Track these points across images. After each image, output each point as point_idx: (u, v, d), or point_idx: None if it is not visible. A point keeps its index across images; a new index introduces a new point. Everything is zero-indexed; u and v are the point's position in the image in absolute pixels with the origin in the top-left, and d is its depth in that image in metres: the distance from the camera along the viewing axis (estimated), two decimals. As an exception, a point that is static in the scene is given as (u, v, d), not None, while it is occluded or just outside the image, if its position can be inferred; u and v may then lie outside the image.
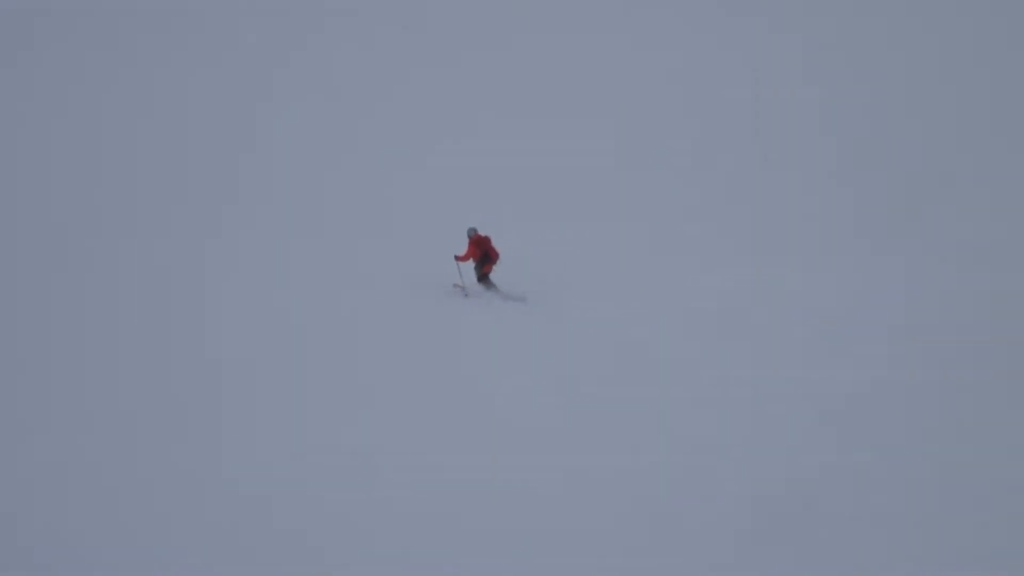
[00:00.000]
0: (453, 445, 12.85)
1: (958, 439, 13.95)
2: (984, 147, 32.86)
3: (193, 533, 9.94)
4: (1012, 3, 43.23)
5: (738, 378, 16.51)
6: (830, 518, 11.40)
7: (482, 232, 19.93)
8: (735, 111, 35.19)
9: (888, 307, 20.79)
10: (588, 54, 39.61)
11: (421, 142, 32.42)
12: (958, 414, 15.01)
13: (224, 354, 15.95)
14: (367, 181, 29.18)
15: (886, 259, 24.11)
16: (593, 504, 11.59)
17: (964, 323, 19.74)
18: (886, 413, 15.08)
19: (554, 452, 12.95)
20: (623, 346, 18.19)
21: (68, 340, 16.04)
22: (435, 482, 11.68)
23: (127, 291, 19.10)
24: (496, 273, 20.23)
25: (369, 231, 25.01)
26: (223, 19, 41.28)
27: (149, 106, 34.34)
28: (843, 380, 16.47)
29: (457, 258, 19.90)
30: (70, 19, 39.63)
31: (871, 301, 21.11)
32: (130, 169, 28.88)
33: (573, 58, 39.21)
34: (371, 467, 11.87)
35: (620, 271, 23.20)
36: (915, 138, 33.49)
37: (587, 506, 11.55)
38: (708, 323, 19.61)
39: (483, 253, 19.67)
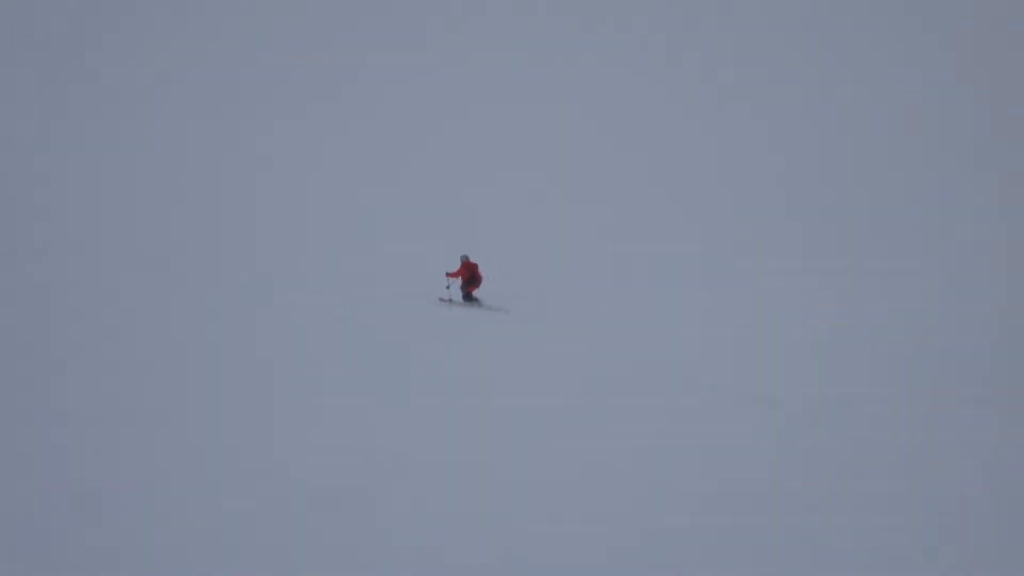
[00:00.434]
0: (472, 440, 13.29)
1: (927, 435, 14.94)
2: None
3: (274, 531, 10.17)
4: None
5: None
6: (817, 509, 11.81)
7: (472, 259, 23.31)
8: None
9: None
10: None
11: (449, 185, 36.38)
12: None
13: (276, 355, 16.38)
14: (408, 215, 32.77)
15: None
16: (611, 489, 11.63)
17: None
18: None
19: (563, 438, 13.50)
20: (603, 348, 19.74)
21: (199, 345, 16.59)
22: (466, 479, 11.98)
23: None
24: (480, 291, 23.41)
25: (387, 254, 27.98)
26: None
27: (215, 140, 38.09)
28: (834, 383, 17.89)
29: (448, 274, 23.04)
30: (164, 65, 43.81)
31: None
32: (214, 198, 32.32)
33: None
34: (413, 466, 12.09)
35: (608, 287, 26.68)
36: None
37: (606, 491, 11.54)
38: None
39: (470, 275, 22.90)
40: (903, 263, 30.11)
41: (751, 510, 11.18)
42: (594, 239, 31.69)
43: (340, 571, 9.13)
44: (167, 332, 16.83)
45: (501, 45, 48.48)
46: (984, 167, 38.86)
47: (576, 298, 24.81)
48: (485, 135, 41.59)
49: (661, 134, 42.37)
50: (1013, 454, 14.24)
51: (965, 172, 38.30)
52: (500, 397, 15.00)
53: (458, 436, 12.96)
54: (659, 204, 35.91)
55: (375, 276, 24.81)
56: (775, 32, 49.86)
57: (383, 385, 15.13)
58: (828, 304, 25.03)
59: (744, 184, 38.17)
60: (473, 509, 10.59)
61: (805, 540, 10.61)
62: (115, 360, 14.69)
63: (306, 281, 23.20)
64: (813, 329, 22.31)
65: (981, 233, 32.89)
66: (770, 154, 40.98)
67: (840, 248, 31.61)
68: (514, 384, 16.01)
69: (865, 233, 33.33)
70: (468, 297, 22.95)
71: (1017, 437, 15.13)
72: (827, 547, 10.48)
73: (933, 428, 15.19)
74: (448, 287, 23.01)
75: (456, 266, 23.20)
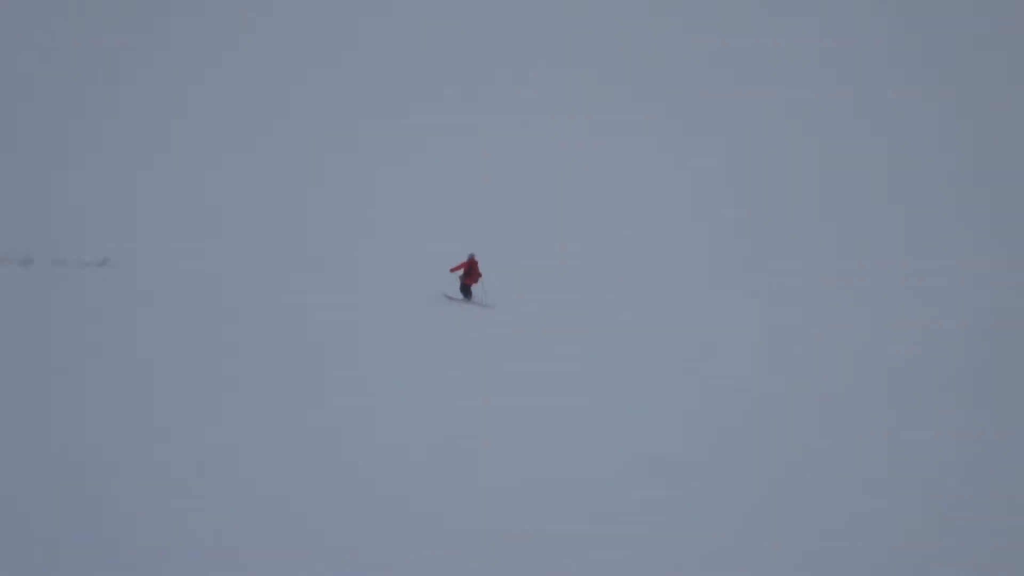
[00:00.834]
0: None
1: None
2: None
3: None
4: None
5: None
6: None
7: (477, 258, 26.42)
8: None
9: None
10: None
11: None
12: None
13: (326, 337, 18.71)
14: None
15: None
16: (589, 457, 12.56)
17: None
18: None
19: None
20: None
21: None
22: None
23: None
24: (478, 286, 26.47)
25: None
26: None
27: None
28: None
29: (451, 269, 26.27)
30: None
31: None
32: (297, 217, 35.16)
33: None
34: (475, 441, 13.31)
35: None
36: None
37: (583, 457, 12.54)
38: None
39: (470, 269, 26.04)
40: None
41: (751, 505, 11.86)
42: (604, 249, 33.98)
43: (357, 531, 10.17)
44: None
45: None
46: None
47: (576, 298, 27.21)
48: (501, 151, 43.46)
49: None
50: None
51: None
52: (499, 382, 16.10)
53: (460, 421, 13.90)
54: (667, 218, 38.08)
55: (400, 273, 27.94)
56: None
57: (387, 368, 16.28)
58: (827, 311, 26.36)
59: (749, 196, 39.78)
60: (472, 484, 11.54)
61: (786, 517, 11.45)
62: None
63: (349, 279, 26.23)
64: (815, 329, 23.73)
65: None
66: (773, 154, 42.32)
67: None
68: (513, 369, 17.59)
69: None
70: (465, 289, 25.96)
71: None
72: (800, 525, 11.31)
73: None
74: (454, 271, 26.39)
75: (462, 260, 26.39)
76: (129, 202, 33.57)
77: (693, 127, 47.01)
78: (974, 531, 11.49)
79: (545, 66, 50.00)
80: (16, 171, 35.45)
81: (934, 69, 49.83)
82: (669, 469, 12.54)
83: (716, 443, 13.98)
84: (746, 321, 24.28)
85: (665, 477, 12.32)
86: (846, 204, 40.49)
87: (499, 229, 34.55)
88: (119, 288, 21.65)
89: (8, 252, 23.73)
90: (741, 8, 54.23)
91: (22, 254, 23.71)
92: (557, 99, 47.19)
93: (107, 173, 36.45)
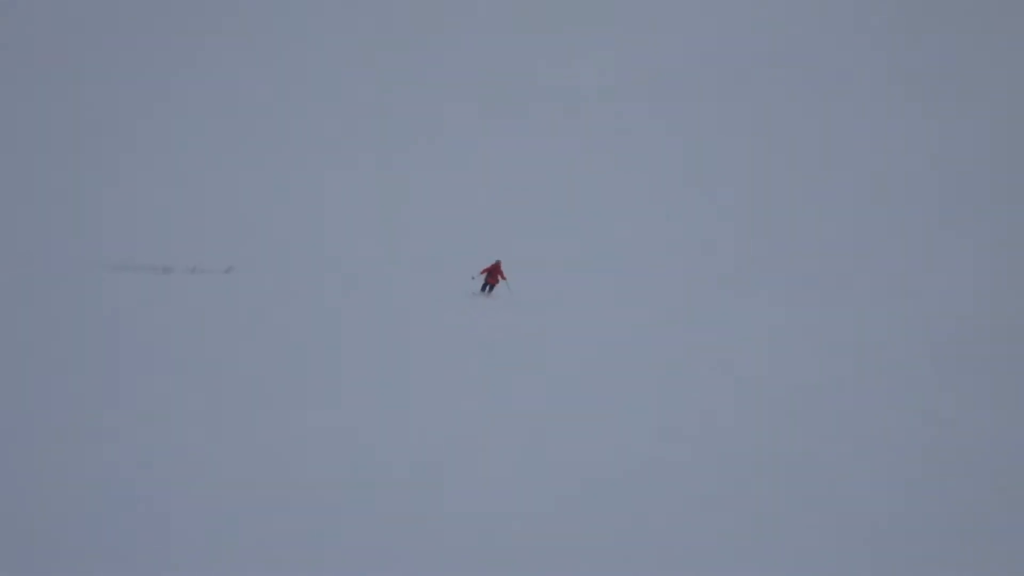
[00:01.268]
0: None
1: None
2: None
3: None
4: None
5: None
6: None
7: (503, 264, 30.25)
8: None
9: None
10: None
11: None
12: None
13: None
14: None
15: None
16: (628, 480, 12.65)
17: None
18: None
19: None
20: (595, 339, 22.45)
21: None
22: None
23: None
24: (502, 285, 30.70)
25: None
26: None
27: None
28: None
29: (481, 271, 30.06)
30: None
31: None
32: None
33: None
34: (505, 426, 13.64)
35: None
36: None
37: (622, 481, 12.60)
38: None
39: (492, 270, 29.67)
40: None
41: (751, 499, 11.94)
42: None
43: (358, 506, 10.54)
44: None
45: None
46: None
47: (580, 297, 29.67)
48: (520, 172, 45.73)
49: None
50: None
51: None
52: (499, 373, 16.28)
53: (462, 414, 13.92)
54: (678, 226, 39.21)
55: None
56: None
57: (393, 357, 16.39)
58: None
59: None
60: (472, 471, 11.67)
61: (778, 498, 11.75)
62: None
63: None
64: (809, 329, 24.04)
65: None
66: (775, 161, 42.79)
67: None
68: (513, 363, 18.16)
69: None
70: (486, 287, 29.68)
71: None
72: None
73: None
74: (473, 278, 30.33)
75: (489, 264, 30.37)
76: (229, 208, 35.47)
77: (693, 128, 47.39)
78: (974, 531, 11.49)
79: (546, 66, 50.66)
80: (102, 176, 36.86)
81: (934, 69, 49.96)
82: (669, 469, 12.55)
83: (716, 443, 13.99)
84: (746, 320, 24.44)
85: (665, 476, 12.34)
86: (846, 204, 40.61)
87: (521, 230, 36.07)
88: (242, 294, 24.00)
89: (151, 261, 25.68)
90: (742, 8, 54.45)
91: (162, 263, 27.50)
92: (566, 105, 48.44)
93: (177, 173, 38.06)
